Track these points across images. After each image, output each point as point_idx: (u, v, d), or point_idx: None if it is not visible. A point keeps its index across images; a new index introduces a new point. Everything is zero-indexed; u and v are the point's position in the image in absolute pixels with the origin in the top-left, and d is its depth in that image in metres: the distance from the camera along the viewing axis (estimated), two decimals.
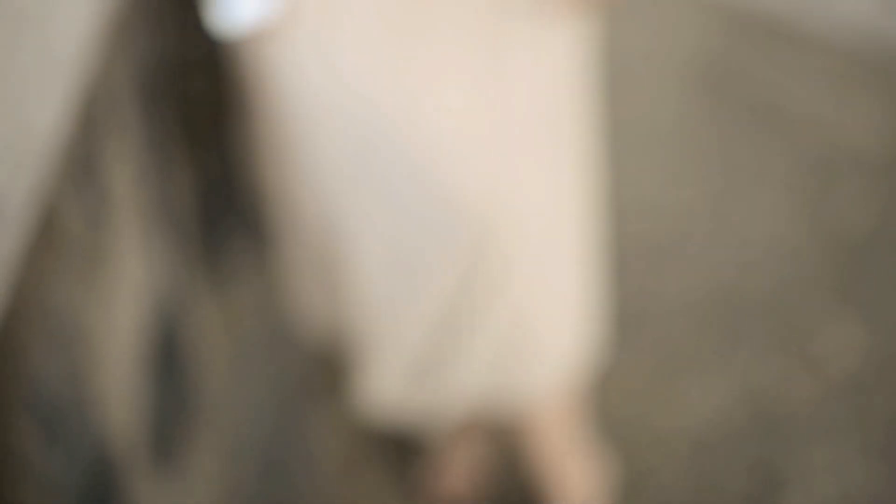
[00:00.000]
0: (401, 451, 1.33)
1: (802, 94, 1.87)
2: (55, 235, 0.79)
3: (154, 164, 1.08)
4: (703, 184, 1.76)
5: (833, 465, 1.34)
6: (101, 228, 0.91)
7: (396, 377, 1.08)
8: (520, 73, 0.97)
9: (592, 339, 1.18)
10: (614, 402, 1.42)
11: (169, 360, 1.11)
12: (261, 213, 1.21)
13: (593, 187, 1.14)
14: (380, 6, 0.92)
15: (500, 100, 0.97)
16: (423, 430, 1.24)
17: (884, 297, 1.58)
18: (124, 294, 0.98)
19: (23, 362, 0.73)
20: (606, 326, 1.30)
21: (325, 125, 0.98)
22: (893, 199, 1.73)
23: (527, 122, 1.00)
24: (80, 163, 0.84)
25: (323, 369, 1.38)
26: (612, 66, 1.40)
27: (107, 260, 0.92)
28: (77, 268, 0.85)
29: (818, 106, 1.85)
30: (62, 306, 0.82)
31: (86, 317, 0.89)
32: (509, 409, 1.16)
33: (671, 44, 1.96)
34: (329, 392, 1.38)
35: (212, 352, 1.27)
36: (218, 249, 1.28)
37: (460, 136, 0.98)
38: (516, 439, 1.23)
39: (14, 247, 0.72)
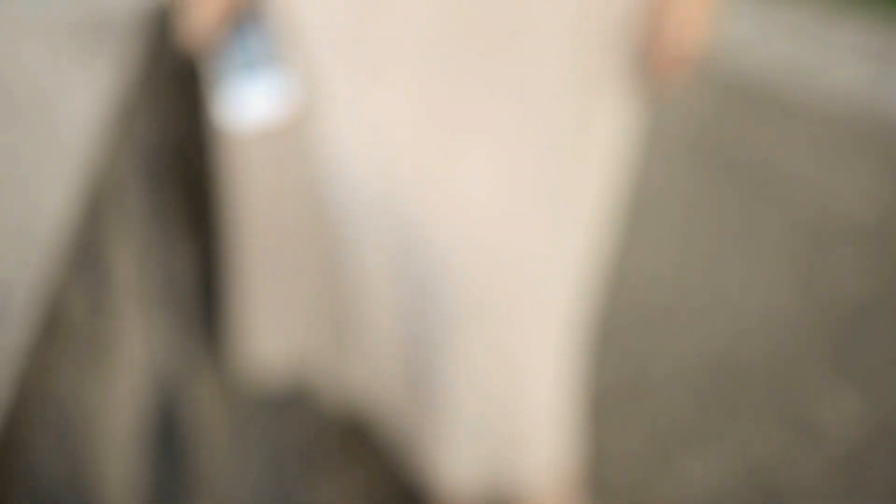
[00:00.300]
0: None
1: (795, 162, 1.90)
2: (59, 324, 0.79)
3: (156, 241, 1.09)
4: (697, 251, 1.77)
5: None
6: (103, 312, 0.91)
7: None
8: (567, 143, 0.95)
9: (579, 428, 1.19)
10: (612, 474, 1.42)
11: (168, 438, 1.11)
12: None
13: (599, 262, 1.15)
14: (429, 64, 0.89)
15: (531, 169, 0.95)
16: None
17: (880, 366, 1.58)
18: (125, 375, 0.98)
19: (25, 455, 0.73)
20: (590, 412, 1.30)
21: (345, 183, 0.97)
22: (887, 267, 1.75)
23: (553, 192, 0.98)
24: (84, 249, 0.84)
25: (324, 442, 1.38)
26: None
27: (108, 343, 0.93)
28: (79, 354, 0.85)
29: (811, 174, 1.88)
30: (65, 394, 0.82)
31: (87, 402, 0.89)
32: (505, 489, 1.16)
33: (664, 112, 1.98)
34: (330, 465, 1.38)
35: (211, 428, 1.27)
36: (217, 325, 1.29)
37: (481, 205, 0.96)
38: None
39: (19, 339, 0.72)
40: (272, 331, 1.15)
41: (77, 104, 0.91)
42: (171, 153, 1.13)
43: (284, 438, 1.39)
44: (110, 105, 0.91)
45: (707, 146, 1.97)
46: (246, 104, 0.93)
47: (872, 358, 1.59)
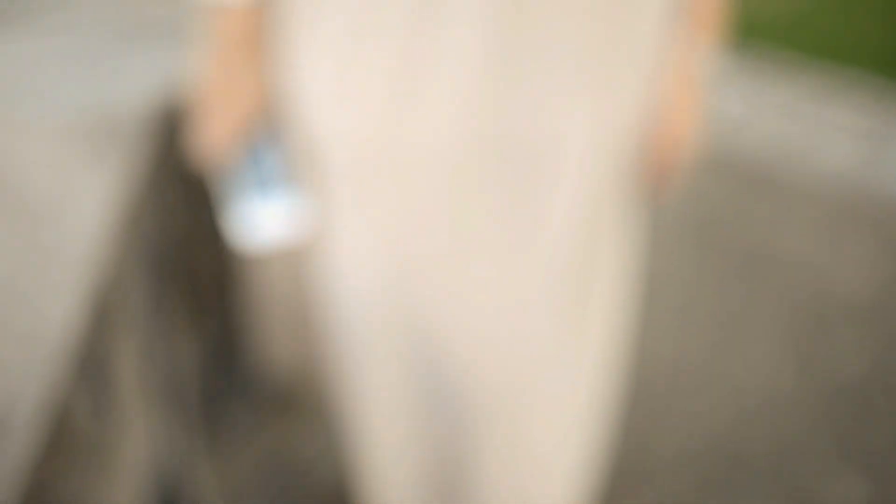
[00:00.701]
0: None
1: (791, 242, 1.91)
2: (63, 433, 0.80)
3: (157, 341, 1.10)
4: (696, 332, 1.78)
5: None
6: (106, 416, 0.91)
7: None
8: (577, 257, 0.96)
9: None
10: None
11: None
12: (259, 379, 1.22)
13: (618, 354, 1.14)
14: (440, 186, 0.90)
15: (540, 283, 0.96)
16: None
17: (885, 449, 1.57)
18: (128, 477, 0.98)
19: None
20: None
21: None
22: (887, 347, 1.75)
23: (563, 303, 0.98)
24: (88, 356, 0.85)
25: None
26: None
27: (111, 447, 0.93)
28: (83, 460, 0.85)
29: (808, 253, 1.89)
30: (69, 500, 0.82)
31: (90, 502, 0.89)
32: None
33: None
34: None
35: None
36: (217, 415, 1.28)
37: (491, 317, 0.97)
38: None
39: (24, 449, 0.72)
40: None
41: (84, 210, 0.92)
42: (175, 253, 1.14)
43: None
44: (117, 211, 0.92)
45: (702, 226, 1.99)
46: (258, 223, 0.92)
47: (877, 440, 1.59)
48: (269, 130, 0.94)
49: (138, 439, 1.02)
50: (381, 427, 1.07)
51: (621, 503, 1.46)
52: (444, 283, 0.94)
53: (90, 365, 0.85)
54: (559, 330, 1.00)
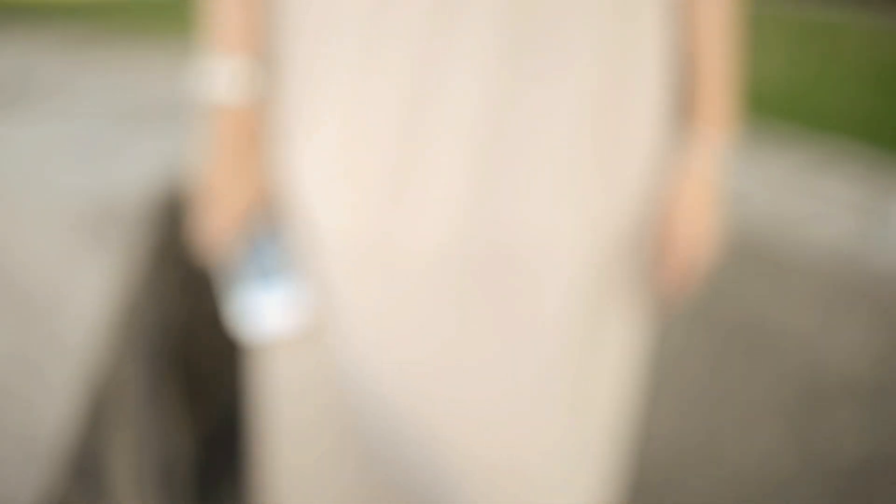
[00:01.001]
0: None
1: (787, 317, 1.91)
2: None
3: (153, 427, 1.09)
4: (693, 411, 1.77)
5: None
6: None
7: None
8: (576, 361, 0.96)
9: None
10: None
11: None
12: (250, 461, 1.21)
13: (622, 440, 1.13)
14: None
15: (537, 388, 0.96)
16: None
17: None
18: None
19: None
20: None
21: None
22: (885, 425, 1.74)
23: (561, 402, 0.98)
24: (84, 454, 0.84)
25: None
26: None
27: None
28: None
29: (804, 329, 1.89)
30: None
31: None
32: None
33: None
34: None
35: None
36: (210, 499, 1.27)
37: (488, 414, 0.96)
38: None
39: None
40: None
41: (83, 301, 0.93)
42: (175, 342, 1.14)
43: None
44: (116, 302, 0.92)
45: (698, 300, 1.99)
46: (260, 313, 0.93)
47: None
48: (269, 221, 0.95)
49: None
50: None
51: None
52: (440, 377, 0.94)
53: (85, 462, 0.85)
54: (557, 416, 1.00)
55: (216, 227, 0.93)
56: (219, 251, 0.94)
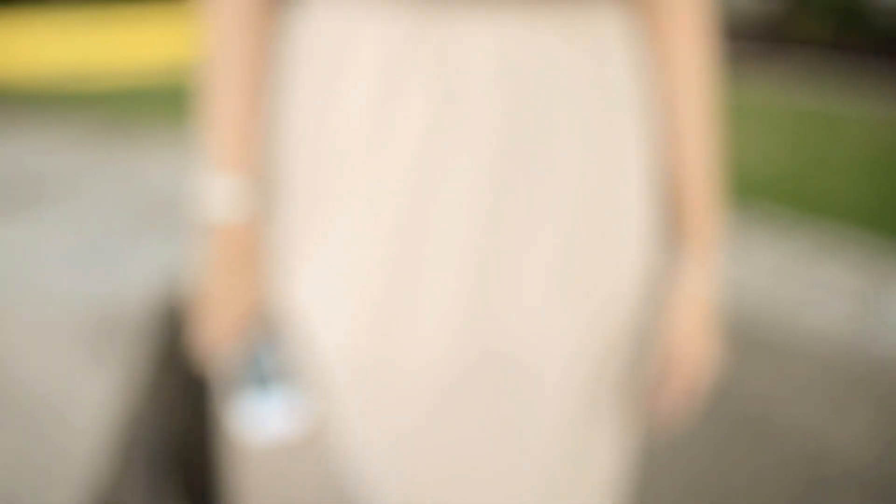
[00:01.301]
0: None
1: (788, 407, 1.91)
2: None
3: None
4: (696, 502, 1.76)
5: None
6: None
7: None
8: (560, 475, 0.97)
9: None
10: None
11: None
12: None
13: None
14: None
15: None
16: None
17: None
18: None
19: None
20: None
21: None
22: None
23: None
24: None
25: None
26: None
27: None
28: None
29: (805, 418, 1.89)
30: None
31: None
32: None
33: None
34: None
35: None
36: None
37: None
38: None
39: None
40: None
41: (86, 408, 0.94)
42: (175, 448, 1.15)
43: None
44: (118, 409, 0.94)
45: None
46: (259, 419, 0.94)
47: None
48: (268, 330, 0.97)
49: None
50: None
51: None
52: (435, 482, 0.95)
53: None
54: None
55: (214, 335, 0.95)
56: (218, 359, 0.96)
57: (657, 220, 0.96)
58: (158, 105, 4.68)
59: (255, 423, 0.94)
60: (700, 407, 1.05)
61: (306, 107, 0.90)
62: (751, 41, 6.77)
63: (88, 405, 0.95)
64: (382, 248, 0.88)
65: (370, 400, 0.92)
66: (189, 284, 1.04)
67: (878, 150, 3.94)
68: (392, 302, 0.88)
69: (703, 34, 0.95)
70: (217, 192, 0.92)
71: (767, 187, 3.26)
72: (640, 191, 0.94)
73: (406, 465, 0.94)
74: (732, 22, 7.19)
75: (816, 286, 2.22)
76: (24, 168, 1.92)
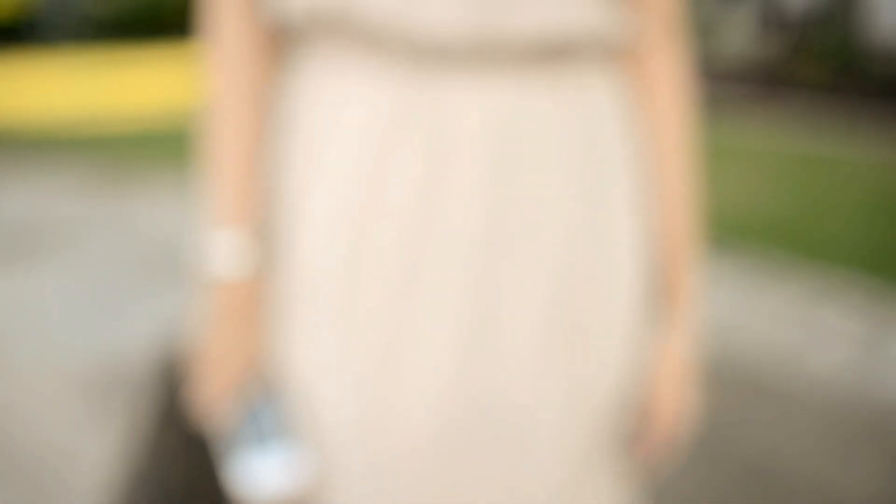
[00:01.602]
0: None
1: (789, 451, 1.90)
2: None
3: None
4: None
5: None
6: None
7: None
8: None
9: None
10: None
11: None
12: None
13: None
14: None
15: None
16: None
17: None
18: None
19: None
20: None
21: None
22: None
23: None
24: None
25: None
26: None
27: None
28: None
29: (806, 463, 1.87)
30: None
31: None
32: None
33: None
34: None
35: None
36: None
37: None
38: None
39: None
40: None
41: (86, 464, 0.94)
42: (174, 502, 1.14)
43: None
44: (118, 466, 0.93)
45: (696, 435, 1.98)
46: (258, 477, 0.94)
47: None
48: (265, 387, 0.97)
49: None
50: None
51: None
52: None
53: None
54: None
55: (212, 393, 0.95)
56: (216, 416, 0.96)
57: (646, 282, 0.97)
58: (161, 149, 4.68)
59: (254, 480, 0.93)
60: (679, 456, 1.05)
61: (300, 164, 0.92)
62: (750, 85, 6.83)
63: (88, 462, 0.95)
64: (378, 314, 0.89)
65: (368, 458, 0.93)
66: (189, 339, 1.05)
67: (877, 194, 3.95)
68: (389, 360, 0.89)
69: (684, 90, 0.96)
70: (217, 246, 0.92)
71: (766, 231, 3.27)
72: (630, 252, 0.95)
73: None
74: (731, 66, 7.26)
75: (816, 330, 2.21)
76: (25, 216, 1.93)
